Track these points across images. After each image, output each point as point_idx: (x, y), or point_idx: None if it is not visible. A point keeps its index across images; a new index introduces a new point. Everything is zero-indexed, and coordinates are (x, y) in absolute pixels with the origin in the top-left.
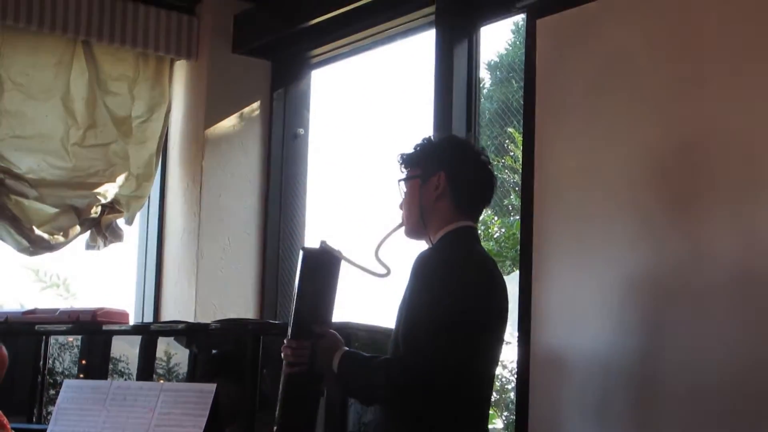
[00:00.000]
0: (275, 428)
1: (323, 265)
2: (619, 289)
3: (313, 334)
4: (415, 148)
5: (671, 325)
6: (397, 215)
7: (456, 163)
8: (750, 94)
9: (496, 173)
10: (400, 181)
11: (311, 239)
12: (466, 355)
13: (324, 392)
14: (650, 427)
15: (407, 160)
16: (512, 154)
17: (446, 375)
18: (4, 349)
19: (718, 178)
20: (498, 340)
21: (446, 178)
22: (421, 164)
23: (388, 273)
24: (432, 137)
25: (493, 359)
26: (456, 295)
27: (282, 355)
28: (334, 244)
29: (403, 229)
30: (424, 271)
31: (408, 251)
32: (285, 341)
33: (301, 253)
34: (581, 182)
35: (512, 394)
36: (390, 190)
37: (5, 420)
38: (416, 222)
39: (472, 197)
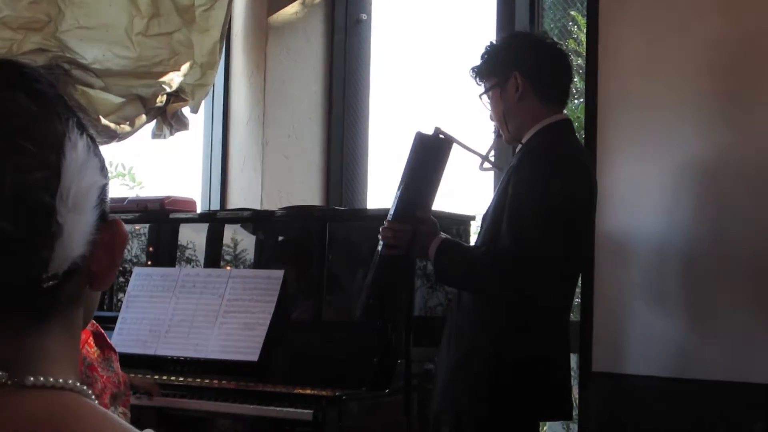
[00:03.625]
0: (362, 304)
1: (435, 151)
2: (681, 173)
3: (414, 219)
4: (482, 58)
5: (732, 208)
6: (490, 126)
7: (526, 57)
8: None
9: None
10: (481, 95)
11: (377, 128)
12: (569, 245)
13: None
14: (709, 310)
15: (480, 73)
16: (576, 37)
17: (550, 270)
18: (123, 224)
19: None
20: (593, 233)
21: (522, 75)
22: (494, 72)
23: (499, 167)
24: (493, 41)
25: (586, 252)
26: (561, 192)
27: (380, 236)
28: (447, 129)
29: (503, 138)
30: (529, 165)
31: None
32: (385, 222)
33: (415, 137)
34: (645, 67)
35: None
36: (454, 80)
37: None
38: (510, 128)
39: (555, 85)
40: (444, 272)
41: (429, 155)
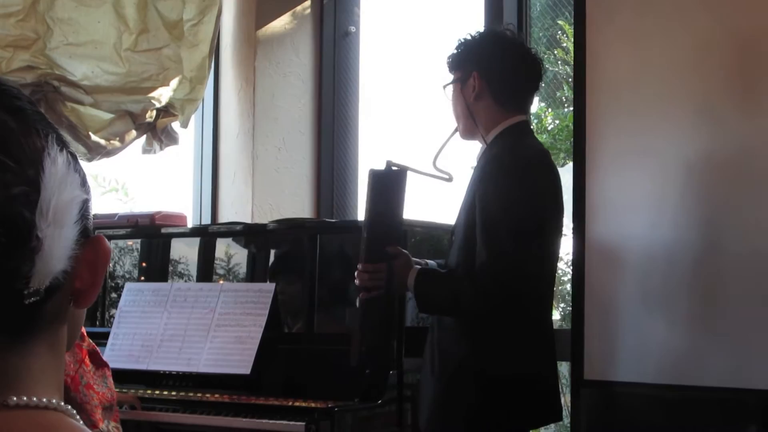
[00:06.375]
0: (355, 352)
1: (392, 184)
2: (673, 178)
3: (387, 256)
4: (456, 49)
5: (729, 213)
6: (451, 120)
7: (488, 60)
8: None
9: (543, 61)
10: (444, 86)
11: (366, 139)
12: (545, 256)
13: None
14: (707, 318)
15: (450, 63)
16: (564, 45)
17: (531, 279)
18: (106, 241)
19: None
20: (561, 235)
21: (479, 77)
22: (459, 67)
23: (451, 178)
24: (470, 35)
25: (558, 255)
26: (530, 198)
27: (357, 281)
28: (399, 160)
29: (459, 133)
30: (492, 174)
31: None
32: (359, 266)
33: (369, 175)
34: (633, 72)
35: (568, 286)
36: (437, 88)
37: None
38: (465, 124)
39: (515, 90)
40: (426, 301)
41: (386, 189)
